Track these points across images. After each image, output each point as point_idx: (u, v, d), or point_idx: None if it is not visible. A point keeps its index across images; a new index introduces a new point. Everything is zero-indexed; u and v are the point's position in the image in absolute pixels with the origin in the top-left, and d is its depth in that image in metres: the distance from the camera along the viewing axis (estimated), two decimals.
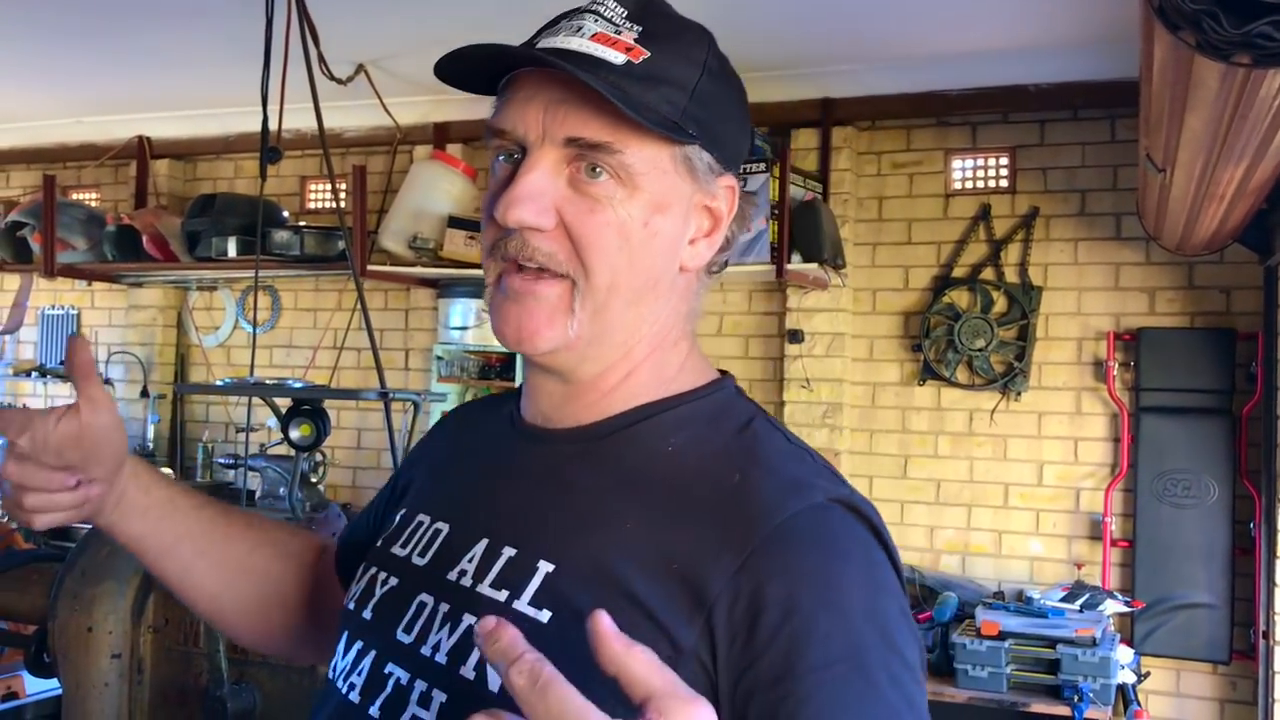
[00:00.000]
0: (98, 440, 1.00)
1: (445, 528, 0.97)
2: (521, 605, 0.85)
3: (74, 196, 5.80)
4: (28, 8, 4.05)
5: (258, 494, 3.98)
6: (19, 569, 1.96)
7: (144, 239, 4.95)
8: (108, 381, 5.66)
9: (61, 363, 5.82)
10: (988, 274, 4.37)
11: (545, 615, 0.84)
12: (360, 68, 4.53)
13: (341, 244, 4.60)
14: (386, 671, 0.93)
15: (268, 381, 3.63)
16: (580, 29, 0.89)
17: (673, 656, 0.79)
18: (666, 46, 0.90)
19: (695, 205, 0.94)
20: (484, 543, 0.92)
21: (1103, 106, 4.21)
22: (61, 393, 5.83)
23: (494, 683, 0.83)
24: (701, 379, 0.99)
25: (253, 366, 3.85)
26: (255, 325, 4.95)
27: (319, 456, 4.00)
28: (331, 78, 4.11)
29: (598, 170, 0.88)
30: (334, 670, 1.00)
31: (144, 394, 5.57)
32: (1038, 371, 4.32)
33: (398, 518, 1.06)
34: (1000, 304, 4.35)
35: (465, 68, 0.92)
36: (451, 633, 0.89)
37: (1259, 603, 3.84)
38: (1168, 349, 4.13)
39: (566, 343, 0.91)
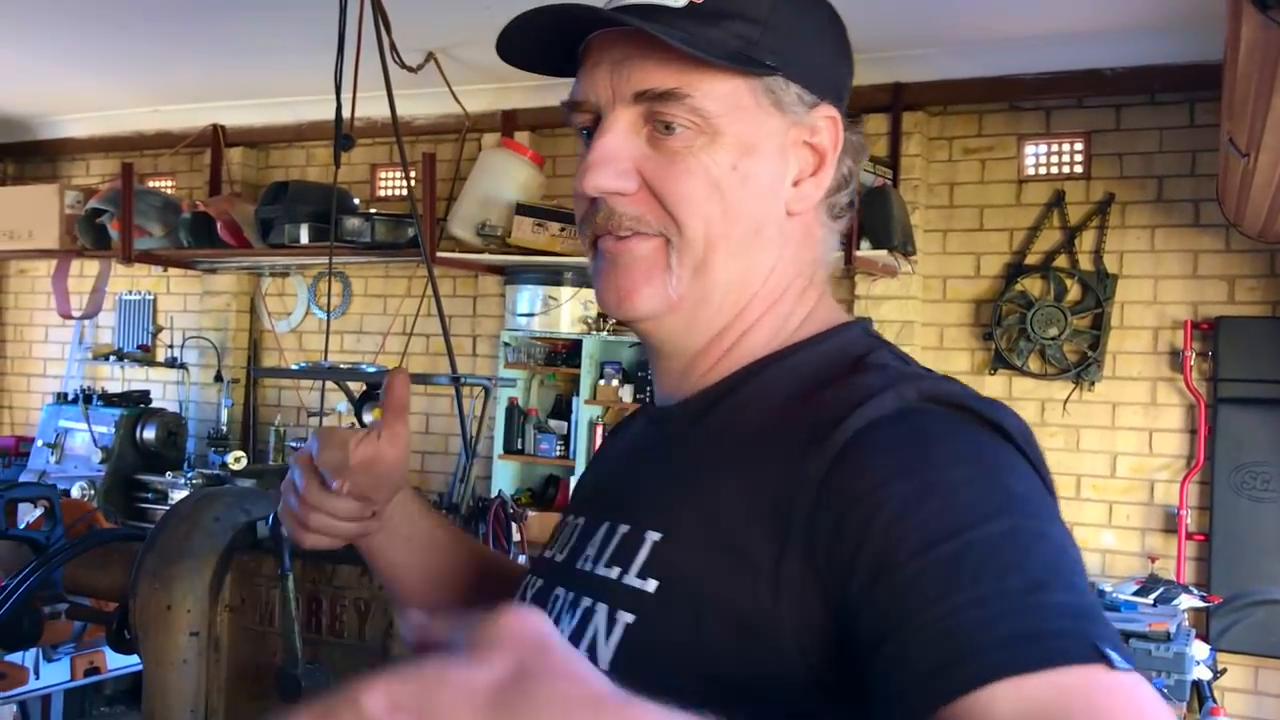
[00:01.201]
0: (388, 470, 1.04)
1: (582, 521, 0.96)
2: (630, 579, 0.84)
3: (151, 184, 5.91)
4: None
5: None
6: (101, 547, 1.99)
7: (218, 225, 5.03)
8: (182, 365, 5.78)
9: (343, 366, 5.94)
10: (1061, 261, 4.30)
11: (651, 585, 0.82)
12: (430, 55, 4.56)
13: (411, 231, 4.64)
14: None
15: (341, 365, 3.67)
16: None
17: (768, 593, 0.74)
18: None
19: (793, 142, 0.89)
20: (605, 525, 0.91)
21: (1181, 90, 4.12)
22: (138, 376, 5.95)
23: (603, 658, 0.82)
24: (825, 327, 0.92)
25: (326, 351, 3.90)
26: (327, 311, 5.02)
27: None
28: (403, 65, 4.14)
29: (672, 126, 0.84)
30: None
31: (218, 378, 5.68)
32: (1112, 361, 4.24)
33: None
34: (1074, 292, 4.28)
35: (525, 44, 0.89)
36: (572, 618, 0.87)
37: None
38: (1247, 338, 4.04)
39: (669, 303, 0.88)
